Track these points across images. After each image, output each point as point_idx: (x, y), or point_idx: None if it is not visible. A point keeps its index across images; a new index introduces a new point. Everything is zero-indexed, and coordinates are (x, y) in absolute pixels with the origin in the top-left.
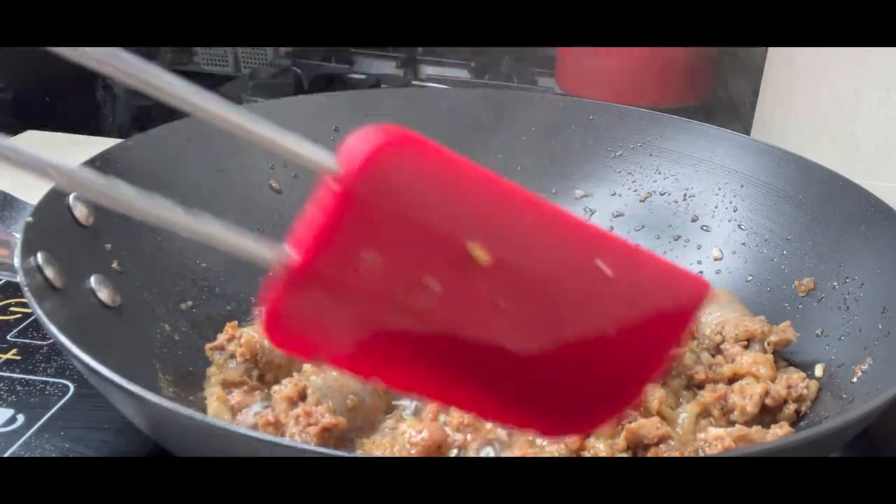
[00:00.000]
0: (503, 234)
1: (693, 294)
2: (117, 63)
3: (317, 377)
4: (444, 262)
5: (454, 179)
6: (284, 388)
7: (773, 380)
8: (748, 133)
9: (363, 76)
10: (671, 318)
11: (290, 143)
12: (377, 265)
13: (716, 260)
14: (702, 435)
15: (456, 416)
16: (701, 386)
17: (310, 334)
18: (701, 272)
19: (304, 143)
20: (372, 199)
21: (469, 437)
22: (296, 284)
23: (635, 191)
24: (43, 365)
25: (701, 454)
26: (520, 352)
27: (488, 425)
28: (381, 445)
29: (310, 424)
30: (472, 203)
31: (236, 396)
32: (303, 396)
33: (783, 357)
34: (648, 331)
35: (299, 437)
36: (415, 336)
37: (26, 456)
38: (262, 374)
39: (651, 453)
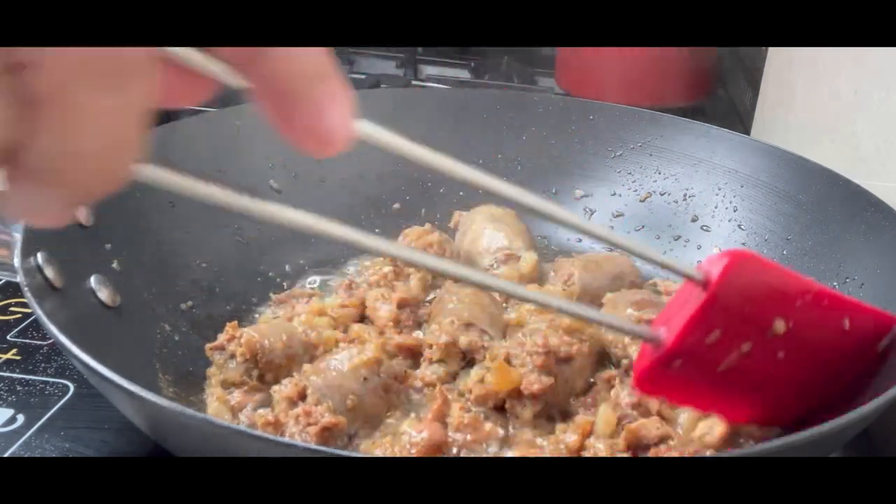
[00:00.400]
0: (795, 313)
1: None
2: None
3: (317, 377)
4: (758, 332)
5: (771, 279)
6: (284, 388)
7: None
8: (748, 133)
9: (363, 76)
10: (870, 351)
11: (660, 258)
12: (717, 338)
13: None
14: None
15: (456, 416)
16: None
17: (664, 384)
18: None
19: (672, 259)
20: (723, 299)
21: (469, 437)
22: (667, 356)
23: (635, 191)
24: (43, 365)
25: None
26: (778, 379)
27: (488, 426)
28: (381, 445)
29: (310, 424)
30: (780, 294)
31: (236, 396)
32: (303, 396)
33: None
34: (855, 360)
35: (299, 437)
36: (719, 375)
37: (26, 456)
38: (262, 374)
39: (651, 453)
